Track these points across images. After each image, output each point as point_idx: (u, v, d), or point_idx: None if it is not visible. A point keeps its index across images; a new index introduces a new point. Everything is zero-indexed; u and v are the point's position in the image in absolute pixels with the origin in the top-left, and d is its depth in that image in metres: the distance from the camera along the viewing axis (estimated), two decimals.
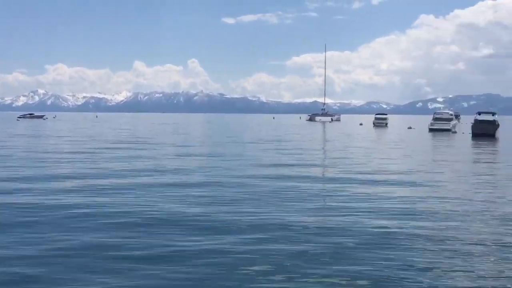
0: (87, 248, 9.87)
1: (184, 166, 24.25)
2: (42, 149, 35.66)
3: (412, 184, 19.07)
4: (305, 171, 22.94)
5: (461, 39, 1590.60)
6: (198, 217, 12.69)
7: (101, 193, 16.20)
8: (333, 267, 8.82)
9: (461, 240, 10.62)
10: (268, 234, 11.02)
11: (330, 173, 22.97)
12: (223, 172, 22.18)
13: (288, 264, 8.97)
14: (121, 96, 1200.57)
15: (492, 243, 10.46)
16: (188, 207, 14.04)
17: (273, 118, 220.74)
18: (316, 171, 23.43)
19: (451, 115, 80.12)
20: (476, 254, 9.66)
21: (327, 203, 15.02)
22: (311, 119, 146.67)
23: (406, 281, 8.13)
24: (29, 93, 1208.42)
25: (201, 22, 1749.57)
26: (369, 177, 20.90)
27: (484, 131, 57.13)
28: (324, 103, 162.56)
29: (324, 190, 17.44)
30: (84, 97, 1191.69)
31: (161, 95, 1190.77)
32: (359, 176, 20.96)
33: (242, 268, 8.74)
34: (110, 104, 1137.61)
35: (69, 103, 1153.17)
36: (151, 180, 19.27)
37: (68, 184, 18.14)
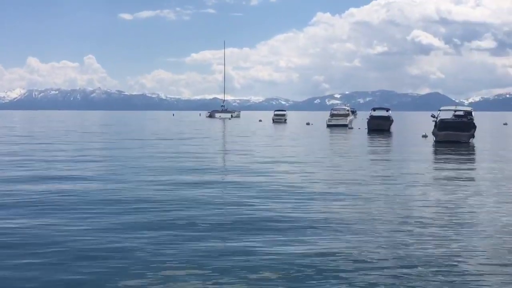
0: None
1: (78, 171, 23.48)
2: None
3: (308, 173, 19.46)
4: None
5: (356, 36, 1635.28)
6: None
7: None
8: None
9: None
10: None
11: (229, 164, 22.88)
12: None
13: None
14: (15, 93, 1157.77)
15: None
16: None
17: (173, 115, 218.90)
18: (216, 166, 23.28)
19: (348, 111, 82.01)
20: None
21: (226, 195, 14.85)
22: (211, 115, 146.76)
23: None
24: None
25: (97, 17, 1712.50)
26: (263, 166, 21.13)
27: (379, 127, 58.79)
28: (224, 100, 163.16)
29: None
30: None
31: (57, 92, 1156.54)
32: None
33: None
34: (3, 102, 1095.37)
35: None
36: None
37: None
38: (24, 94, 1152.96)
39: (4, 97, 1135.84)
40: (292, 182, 17.71)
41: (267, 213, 12.62)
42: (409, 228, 11.23)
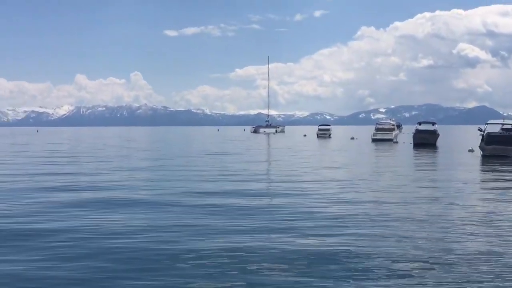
0: None
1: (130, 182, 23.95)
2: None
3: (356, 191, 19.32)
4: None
5: (401, 50, 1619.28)
6: None
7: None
8: None
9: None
10: None
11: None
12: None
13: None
14: (63, 110, 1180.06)
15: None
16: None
17: (218, 130, 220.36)
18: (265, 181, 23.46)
19: (393, 125, 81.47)
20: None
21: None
22: (256, 131, 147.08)
23: None
24: None
25: (143, 34, 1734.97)
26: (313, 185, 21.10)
27: (425, 141, 58.26)
28: (268, 115, 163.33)
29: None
30: (24, 111, 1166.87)
31: (104, 108, 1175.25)
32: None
33: None
34: (52, 119, 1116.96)
35: (9, 117, 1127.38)
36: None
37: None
38: (72, 110, 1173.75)
39: (53, 114, 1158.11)
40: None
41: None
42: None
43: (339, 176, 25.59)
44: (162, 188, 21.06)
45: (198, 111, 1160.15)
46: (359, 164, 34.57)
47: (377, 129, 76.57)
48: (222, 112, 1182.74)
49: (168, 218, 14.27)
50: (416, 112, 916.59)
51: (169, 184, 22.52)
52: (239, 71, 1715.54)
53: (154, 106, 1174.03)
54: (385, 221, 13.89)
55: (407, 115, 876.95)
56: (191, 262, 9.84)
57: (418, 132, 61.29)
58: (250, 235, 12.09)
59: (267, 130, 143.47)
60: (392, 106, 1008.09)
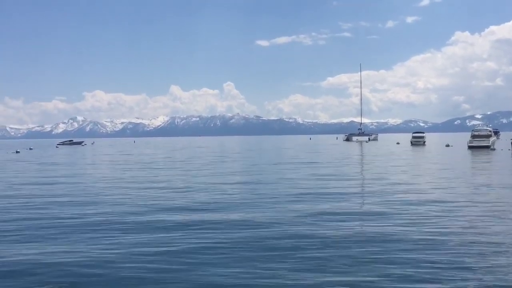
0: None
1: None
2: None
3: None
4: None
5: (497, 55, 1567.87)
6: None
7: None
8: None
9: None
10: None
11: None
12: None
13: None
14: (158, 121, 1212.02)
15: None
16: None
17: (310, 139, 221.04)
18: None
19: (490, 131, 79.39)
20: None
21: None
22: (348, 139, 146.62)
23: None
24: (68, 120, 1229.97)
25: (235, 45, 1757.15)
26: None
27: None
28: (361, 123, 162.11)
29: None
30: (122, 122, 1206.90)
31: (198, 119, 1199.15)
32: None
33: None
34: (148, 129, 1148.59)
35: (107, 129, 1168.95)
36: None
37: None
38: (167, 121, 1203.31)
39: (148, 124, 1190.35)
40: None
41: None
42: None
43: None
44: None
45: (290, 120, 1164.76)
46: None
47: (474, 136, 74.91)
48: (314, 121, 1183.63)
49: None
50: None
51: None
52: (330, 79, 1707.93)
53: (246, 116, 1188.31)
54: None
55: (504, 121, 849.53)
56: None
57: None
58: None
59: (360, 138, 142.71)
60: (489, 112, 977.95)
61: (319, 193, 22.32)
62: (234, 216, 16.45)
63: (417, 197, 20.35)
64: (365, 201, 19.90)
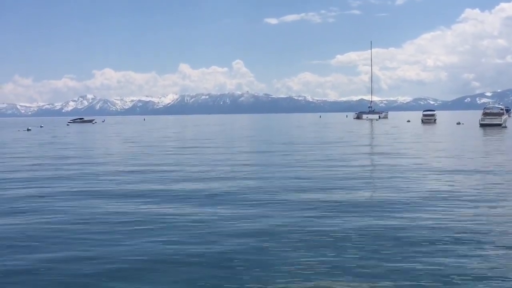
0: None
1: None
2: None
3: None
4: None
5: (508, 32, 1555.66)
6: None
7: None
8: None
9: None
10: None
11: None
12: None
13: None
14: (168, 99, 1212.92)
15: None
16: None
17: (320, 117, 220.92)
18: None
19: (502, 109, 78.94)
20: None
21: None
22: (359, 117, 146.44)
23: None
24: (78, 98, 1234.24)
25: (244, 23, 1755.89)
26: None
27: None
28: (371, 101, 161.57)
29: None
30: (131, 100, 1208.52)
31: (207, 97, 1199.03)
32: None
33: None
34: (157, 107, 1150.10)
35: (117, 107, 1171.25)
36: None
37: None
38: (177, 99, 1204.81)
39: (158, 102, 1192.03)
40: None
41: None
42: None
43: None
44: None
45: (300, 98, 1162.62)
46: None
47: (485, 114, 74.44)
48: (324, 99, 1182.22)
49: None
50: None
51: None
52: (340, 57, 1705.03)
53: (256, 94, 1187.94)
54: None
55: None
56: None
57: None
58: None
59: (370, 116, 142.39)
60: (499, 90, 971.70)
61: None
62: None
63: None
64: None
